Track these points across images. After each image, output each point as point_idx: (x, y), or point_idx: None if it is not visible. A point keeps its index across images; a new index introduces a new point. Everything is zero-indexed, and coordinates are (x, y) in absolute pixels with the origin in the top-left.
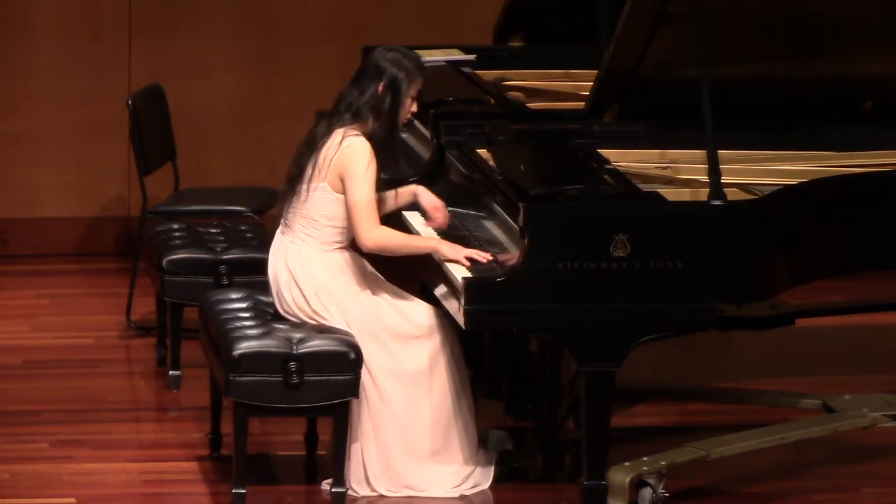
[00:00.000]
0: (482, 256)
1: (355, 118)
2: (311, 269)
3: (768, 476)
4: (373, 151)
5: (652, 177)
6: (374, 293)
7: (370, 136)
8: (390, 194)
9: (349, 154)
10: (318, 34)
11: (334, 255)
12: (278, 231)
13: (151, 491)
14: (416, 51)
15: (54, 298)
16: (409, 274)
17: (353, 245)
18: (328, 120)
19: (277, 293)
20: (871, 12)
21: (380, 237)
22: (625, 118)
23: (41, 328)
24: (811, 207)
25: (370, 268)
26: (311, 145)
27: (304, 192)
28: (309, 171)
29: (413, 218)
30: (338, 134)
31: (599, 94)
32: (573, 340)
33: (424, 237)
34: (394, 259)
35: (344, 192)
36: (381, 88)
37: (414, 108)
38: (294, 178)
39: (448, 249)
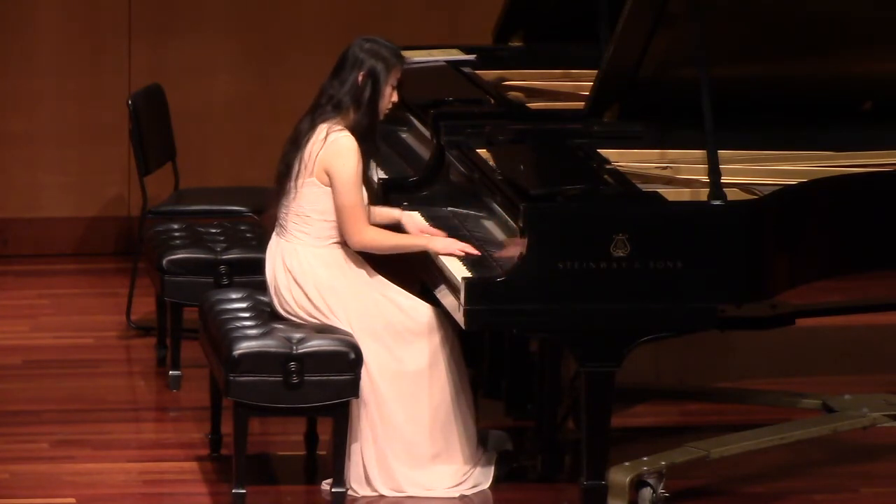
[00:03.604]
0: (473, 251)
1: (336, 110)
2: (309, 266)
3: (768, 476)
4: (358, 147)
5: (652, 177)
6: (374, 289)
7: (353, 129)
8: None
9: (335, 152)
10: (318, 34)
11: (331, 250)
12: (274, 233)
13: (151, 491)
14: (417, 51)
15: (54, 298)
16: (409, 274)
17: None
18: (311, 115)
19: (276, 294)
20: (871, 12)
21: (369, 239)
22: (625, 118)
23: (41, 328)
24: (811, 207)
25: (364, 262)
26: (296, 142)
27: (293, 190)
28: (296, 167)
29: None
30: (322, 129)
31: (599, 94)
32: (573, 340)
33: (414, 236)
34: (394, 258)
35: (332, 189)
36: (360, 78)
37: (394, 98)
38: (282, 177)
39: (440, 244)
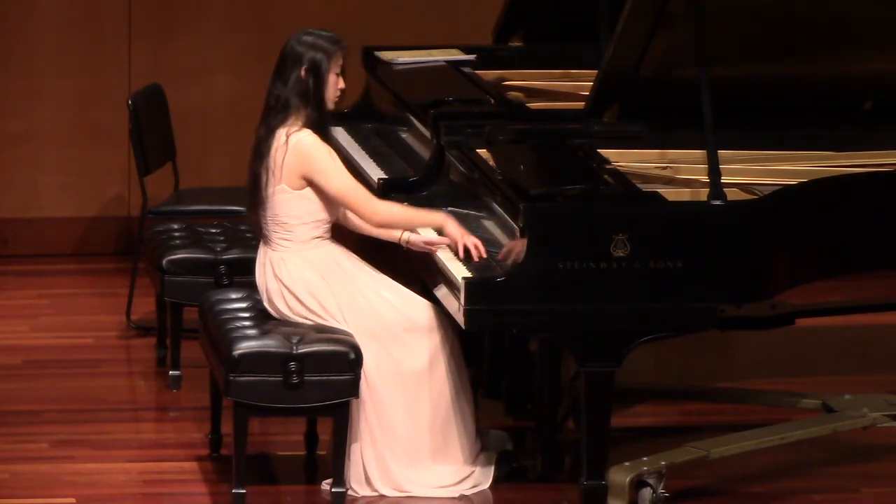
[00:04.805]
0: (480, 251)
1: (286, 110)
2: (299, 271)
3: (768, 476)
4: (319, 138)
5: (652, 177)
6: (369, 289)
7: (308, 125)
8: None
9: (302, 151)
10: None
11: (318, 250)
12: (260, 242)
13: (151, 491)
14: (417, 51)
15: (54, 298)
16: (409, 273)
17: (337, 235)
18: (266, 121)
19: (270, 303)
20: (871, 12)
21: (384, 214)
22: (625, 118)
23: (41, 328)
24: (811, 207)
25: (360, 261)
26: (258, 151)
27: (266, 199)
28: (264, 177)
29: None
30: (281, 134)
31: (599, 94)
32: (573, 340)
33: (431, 212)
34: (393, 256)
35: (318, 189)
36: (303, 73)
37: (340, 84)
38: (253, 187)
39: (453, 228)
